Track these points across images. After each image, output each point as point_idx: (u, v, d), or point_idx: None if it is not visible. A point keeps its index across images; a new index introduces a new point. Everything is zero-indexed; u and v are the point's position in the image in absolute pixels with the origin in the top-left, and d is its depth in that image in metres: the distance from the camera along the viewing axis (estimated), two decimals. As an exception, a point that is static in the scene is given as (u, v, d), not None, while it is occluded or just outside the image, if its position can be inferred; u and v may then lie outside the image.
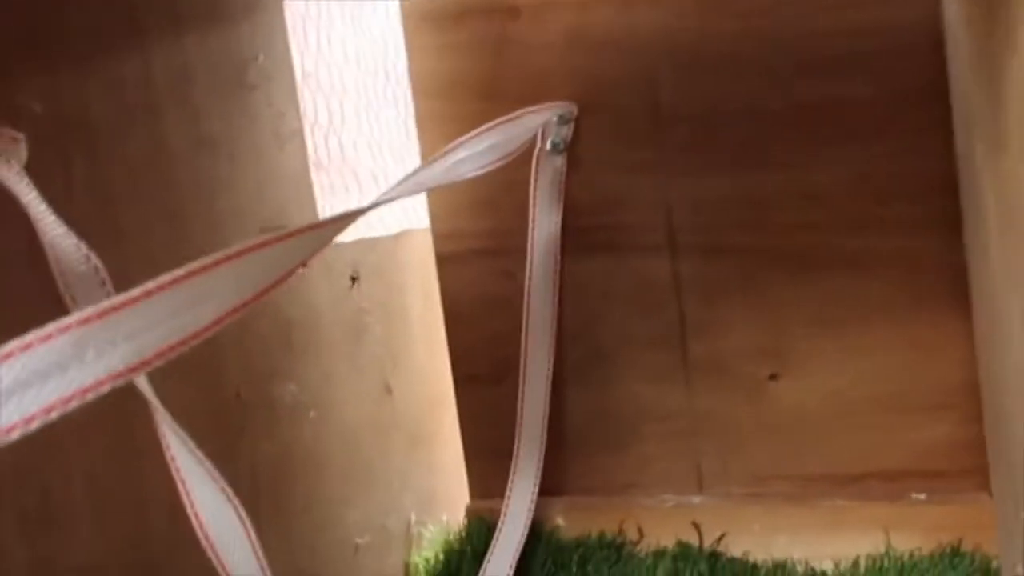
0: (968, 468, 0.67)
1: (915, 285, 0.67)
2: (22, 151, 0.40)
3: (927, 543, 0.66)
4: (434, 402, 0.80)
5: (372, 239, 0.73)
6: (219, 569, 0.46)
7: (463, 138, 0.63)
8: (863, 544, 0.68)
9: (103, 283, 0.42)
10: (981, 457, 0.66)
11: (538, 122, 0.69)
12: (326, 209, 0.70)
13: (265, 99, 0.62)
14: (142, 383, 0.43)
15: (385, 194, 0.54)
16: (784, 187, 0.68)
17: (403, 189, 0.55)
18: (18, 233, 0.40)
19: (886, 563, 0.66)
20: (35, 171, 0.41)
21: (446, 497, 0.80)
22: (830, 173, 0.67)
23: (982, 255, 0.54)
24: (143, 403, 0.45)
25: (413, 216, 0.81)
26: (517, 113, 0.67)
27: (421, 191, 0.67)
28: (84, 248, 0.42)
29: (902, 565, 0.65)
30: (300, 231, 0.39)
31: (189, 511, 0.46)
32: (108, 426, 0.46)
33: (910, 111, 0.65)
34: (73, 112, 0.46)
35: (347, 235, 0.71)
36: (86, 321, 0.27)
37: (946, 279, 0.66)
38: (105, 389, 0.27)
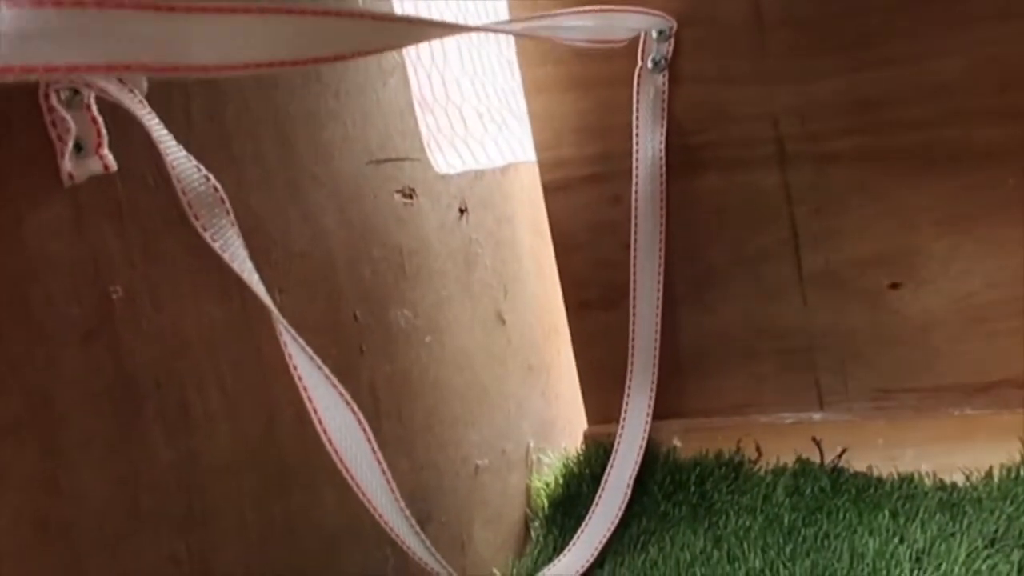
0: (1112, 371, 0.63)
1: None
2: (143, 82, 0.43)
3: (1067, 450, 0.63)
4: (548, 331, 0.81)
5: (479, 171, 0.75)
6: (342, 470, 0.49)
7: (567, 9, 0.63)
8: (997, 454, 0.65)
9: (222, 200, 0.46)
10: None
11: (638, 24, 0.68)
12: (431, 144, 0.72)
13: None
14: (263, 293, 0.46)
15: (477, 26, 0.55)
16: (900, 83, 0.65)
17: (497, 27, 0.55)
18: (144, 156, 0.44)
19: (1022, 472, 0.63)
20: (159, 102, 0.44)
21: (564, 424, 0.81)
22: (951, 62, 0.63)
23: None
24: (266, 318, 0.48)
25: (519, 150, 0.82)
26: (620, 7, 0.67)
27: (514, 34, 0.66)
28: (203, 169, 0.45)
29: (1040, 474, 0.62)
30: (375, 16, 0.38)
31: (313, 416, 0.49)
32: (235, 339, 0.50)
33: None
34: (188, 48, 0.49)
35: (454, 167, 0.74)
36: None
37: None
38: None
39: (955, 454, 0.66)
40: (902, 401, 0.69)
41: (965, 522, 0.60)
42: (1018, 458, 0.64)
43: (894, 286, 0.68)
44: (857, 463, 0.69)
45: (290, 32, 0.34)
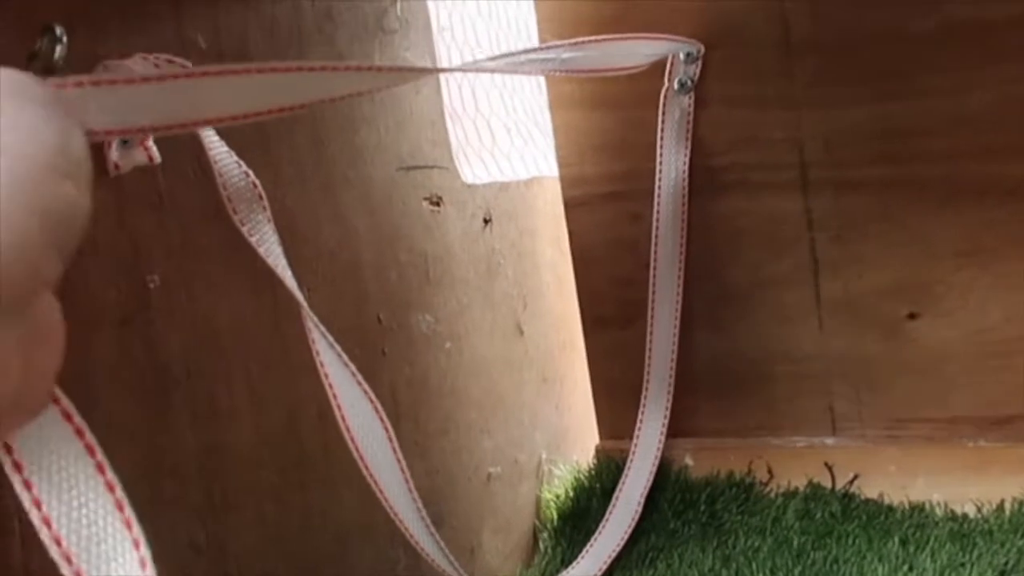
0: None
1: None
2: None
3: (1080, 486, 0.63)
4: (564, 344, 0.82)
5: (504, 183, 0.76)
6: (362, 468, 0.50)
7: (590, 38, 0.64)
8: (1009, 487, 0.65)
9: (260, 197, 0.47)
10: None
11: (663, 49, 0.69)
12: (459, 154, 0.73)
13: (403, 44, 0.65)
14: (295, 289, 0.47)
15: (500, 60, 0.56)
16: (928, 115, 0.65)
17: (518, 63, 0.57)
18: (186, 150, 0.45)
19: (1034, 507, 0.63)
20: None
21: (576, 437, 0.82)
22: (979, 97, 0.64)
23: None
24: (295, 314, 0.49)
25: (544, 165, 0.84)
26: (646, 35, 0.68)
27: (533, 72, 0.67)
28: (243, 165, 0.46)
29: (1052, 508, 0.62)
30: (359, 67, 0.42)
31: (336, 412, 0.49)
32: (264, 333, 0.51)
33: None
34: (232, 47, 0.50)
35: (480, 178, 0.75)
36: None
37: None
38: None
39: (967, 485, 0.66)
40: (915, 430, 0.70)
41: (975, 553, 0.61)
42: (1030, 492, 0.64)
43: (912, 316, 0.69)
44: (869, 490, 0.70)
45: (283, 85, 0.37)
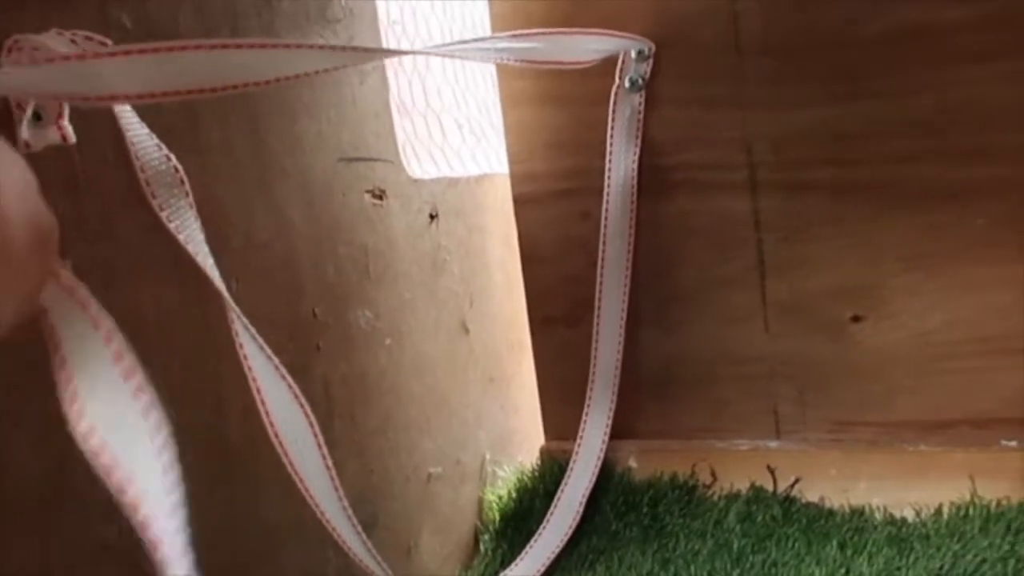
0: (1065, 416, 0.64)
1: (1021, 219, 0.64)
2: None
3: (1016, 492, 0.63)
4: (511, 344, 0.81)
5: (453, 179, 0.75)
6: (287, 464, 0.49)
7: (538, 30, 0.63)
8: (947, 491, 0.65)
9: (181, 181, 0.45)
10: (1080, 404, 0.63)
11: (612, 46, 0.68)
12: (406, 148, 0.72)
13: (346, 33, 0.64)
14: (216, 279, 0.46)
15: (449, 47, 0.55)
16: (877, 117, 0.65)
17: (468, 50, 0.56)
18: (106, 131, 0.43)
19: (971, 511, 0.63)
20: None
21: (521, 437, 0.81)
22: (927, 101, 0.64)
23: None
24: (221, 308, 0.47)
25: (496, 162, 0.83)
26: (596, 31, 0.67)
27: (486, 59, 0.65)
28: (164, 148, 0.45)
29: (988, 513, 0.62)
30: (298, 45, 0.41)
31: (260, 408, 0.48)
32: (189, 324, 0.49)
33: (1015, 33, 0.61)
34: (161, 28, 0.49)
35: (428, 173, 0.73)
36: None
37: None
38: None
39: (907, 490, 0.66)
40: (858, 434, 0.70)
41: (912, 557, 0.60)
42: (968, 497, 0.64)
43: (856, 319, 0.69)
44: (810, 493, 0.69)
45: (208, 63, 0.36)
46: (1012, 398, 0.65)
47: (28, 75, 0.33)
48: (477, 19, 0.81)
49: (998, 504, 0.63)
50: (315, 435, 0.49)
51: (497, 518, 0.73)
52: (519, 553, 0.69)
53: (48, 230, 0.28)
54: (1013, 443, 0.65)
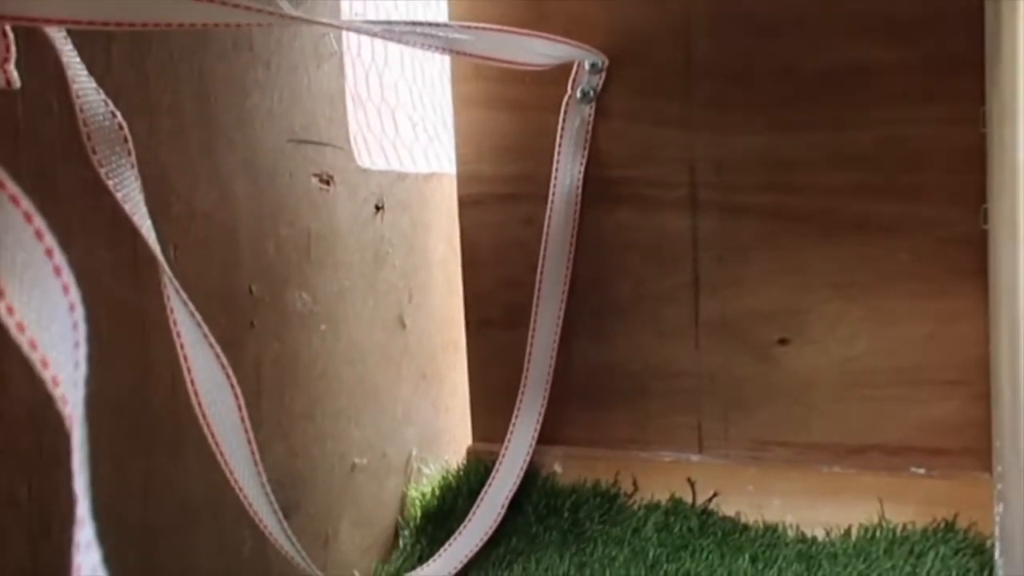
0: (971, 447, 0.66)
1: (943, 257, 0.67)
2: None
3: (921, 517, 0.66)
4: (447, 344, 0.81)
5: (402, 173, 0.75)
6: (208, 436, 0.48)
7: (500, 27, 0.64)
8: (857, 513, 0.67)
9: (125, 140, 0.45)
10: (985, 437, 0.65)
11: (562, 53, 0.69)
12: (358, 138, 0.72)
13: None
14: (153, 242, 0.45)
15: (399, 31, 0.55)
16: (813, 149, 0.68)
17: (417, 33, 0.56)
18: (53, 82, 0.43)
19: (878, 534, 0.65)
20: (80, 39, 0.43)
21: (449, 437, 0.81)
22: (864, 136, 0.67)
23: (1006, 231, 0.54)
24: (155, 271, 0.47)
25: (446, 163, 0.83)
26: (548, 36, 0.68)
27: (417, 45, 0.65)
28: (110, 104, 0.44)
29: (894, 536, 0.64)
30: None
31: (186, 376, 0.47)
32: (120, 286, 0.48)
33: (947, 79, 0.65)
34: (118, -12, 0.48)
35: (376, 164, 0.74)
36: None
37: (973, 254, 0.65)
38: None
39: (819, 509, 0.68)
40: (776, 453, 0.71)
41: (820, 574, 0.62)
42: (876, 519, 0.67)
43: (783, 341, 0.71)
44: (727, 507, 0.71)
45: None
46: (923, 427, 0.68)
47: None
48: (437, 19, 0.82)
49: (903, 528, 0.65)
50: (240, 409, 0.49)
51: (419, 514, 0.73)
52: (438, 550, 0.69)
53: None
54: (921, 470, 0.67)
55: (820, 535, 0.67)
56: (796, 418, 0.71)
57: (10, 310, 0.23)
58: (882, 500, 0.67)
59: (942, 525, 0.64)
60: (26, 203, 0.24)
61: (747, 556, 0.65)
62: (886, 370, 0.69)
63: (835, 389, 0.70)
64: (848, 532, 0.67)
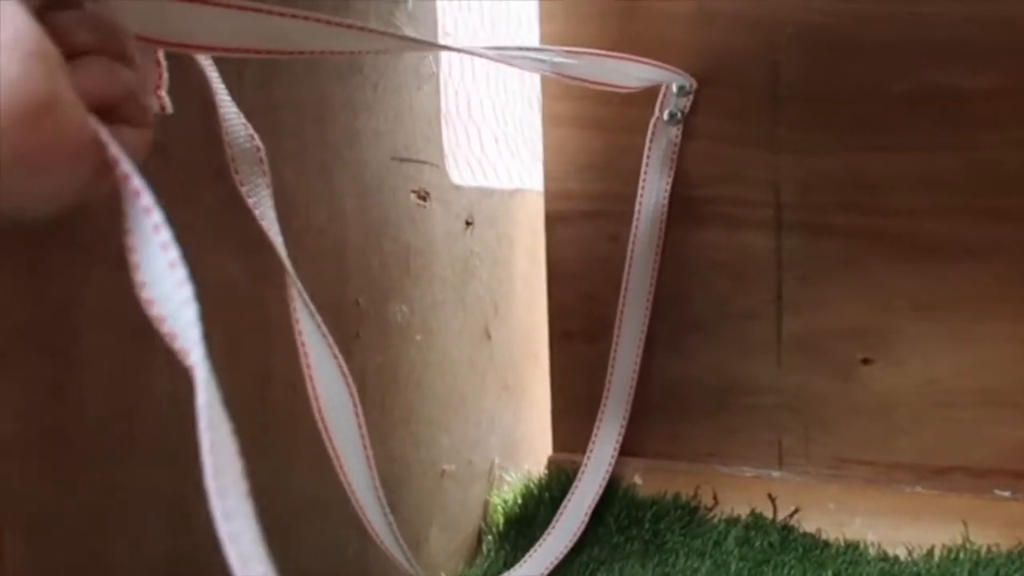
0: (1058, 471, 0.66)
1: (1024, 280, 0.67)
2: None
3: (1006, 540, 0.66)
4: (529, 355, 0.83)
5: (489, 189, 0.78)
6: (326, 441, 0.51)
7: (586, 49, 0.66)
8: (940, 534, 0.67)
9: (261, 160, 0.48)
10: (1073, 461, 0.65)
11: (655, 76, 0.71)
12: (450, 154, 0.75)
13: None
14: (284, 256, 0.48)
15: (511, 55, 0.58)
16: (899, 170, 0.69)
17: (520, 56, 0.59)
18: (197, 107, 0.46)
19: (962, 555, 0.66)
20: (216, 62, 0.46)
21: (529, 447, 0.83)
22: (950, 159, 0.68)
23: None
24: (278, 283, 0.50)
25: (527, 180, 0.86)
26: (643, 59, 0.70)
27: (525, 68, 0.69)
28: (250, 128, 0.47)
29: (978, 558, 0.65)
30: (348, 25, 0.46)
31: (308, 383, 0.50)
32: (247, 296, 0.51)
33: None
34: None
35: (467, 181, 0.76)
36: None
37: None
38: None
39: (901, 528, 0.69)
40: (858, 472, 0.72)
41: (903, 592, 0.63)
42: (959, 540, 0.67)
43: (866, 361, 0.72)
44: (807, 524, 0.72)
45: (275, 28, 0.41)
46: (1008, 450, 0.68)
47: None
48: (528, 42, 0.85)
49: (988, 550, 0.66)
50: (357, 415, 0.51)
51: (502, 521, 0.75)
52: (521, 556, 0.71)
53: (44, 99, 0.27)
54: (1007, 493, 0.68)
55: (902, 554, 0.68)
56: (877, 437, 0.72)
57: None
58: (966, 521, 0.67)
59: (1028, 548, 0.65)
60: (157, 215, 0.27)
61: (830, 573, 0.66)
62: (969, 391, 0.69)
63: (917, 409, 0.71)
64: (931, 552, 0.67)
